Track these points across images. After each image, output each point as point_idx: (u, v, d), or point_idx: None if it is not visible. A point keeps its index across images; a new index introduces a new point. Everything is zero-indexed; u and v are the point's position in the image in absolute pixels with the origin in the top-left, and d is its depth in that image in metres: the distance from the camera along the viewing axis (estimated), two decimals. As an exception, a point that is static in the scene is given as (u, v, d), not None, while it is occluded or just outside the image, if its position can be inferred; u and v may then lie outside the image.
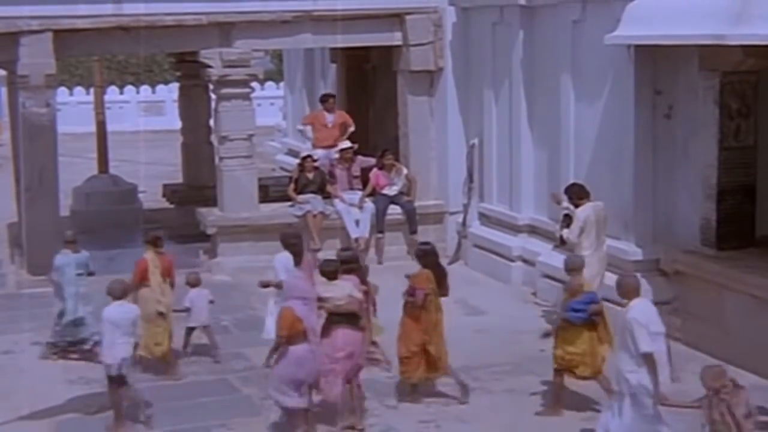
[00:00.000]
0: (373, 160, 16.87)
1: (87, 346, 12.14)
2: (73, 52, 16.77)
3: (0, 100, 28.44)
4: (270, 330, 11.08)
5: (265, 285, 11.62)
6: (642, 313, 8.99)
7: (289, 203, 16.45)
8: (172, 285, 11.93)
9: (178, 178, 20.44)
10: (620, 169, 13.10)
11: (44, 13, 15.06)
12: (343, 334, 9.99)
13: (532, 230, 15.18)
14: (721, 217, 12.21)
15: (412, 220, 16.47)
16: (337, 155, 16.86)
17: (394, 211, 16.50)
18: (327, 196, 16.43)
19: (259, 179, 16.93)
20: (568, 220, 12.74)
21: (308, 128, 17.67)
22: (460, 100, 16.63)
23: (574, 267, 10.52)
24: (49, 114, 15.34)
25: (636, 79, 12.77)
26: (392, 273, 15.43)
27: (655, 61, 12.76)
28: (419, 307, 10.57)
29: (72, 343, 12.24)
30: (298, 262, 11.47)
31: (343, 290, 10.14)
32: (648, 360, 8.87)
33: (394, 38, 16.68)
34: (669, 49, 12.33)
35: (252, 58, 16.03)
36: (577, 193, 12.73)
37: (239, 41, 15.98)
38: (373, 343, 11.48)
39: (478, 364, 11.72)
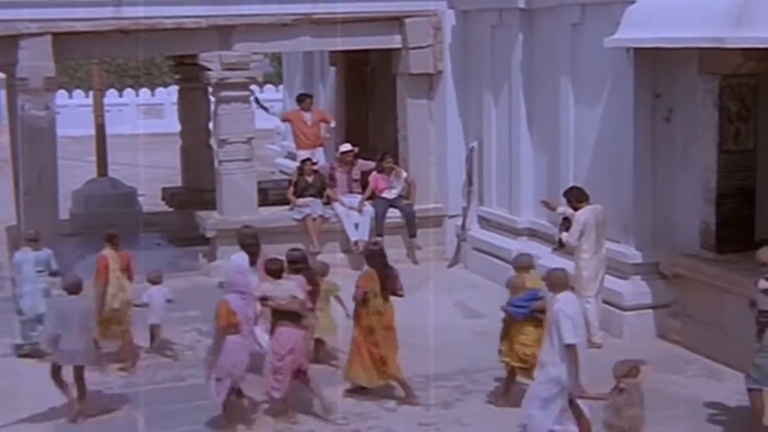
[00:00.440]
0: (373, 164, 16.87)
1: None
2: (73, 55, 16.79)
3: (-1, 103, 28.46)
4: None
5: (222, 285, 11.86)
6: (569, 305, 9.26)
7: (289, 207, 16.45)
8: (130, 280, 12.23)
9: (178, 182, 20.44)
10: (620, 172, 13.10)
11: (43, 16, 15.06)
12: (285, 333, 10.36)
13: (532, 233, 15.17)
14: (721, 220, 12.21)
15: (411, 223, 16.47)
16: (320, 151, 17.19)
17: (394, 214, 16.50)
18: (327, 202, 16.43)
19: (259, 182, 16.92)
20: (567, 223, 12.74)
21: (278, 114, 18.95)
22: (460, 104, 16.64)
23: (520, 265, 10.77)
24: (48, 117, 15.33)
25: (635, 83, 12.77)
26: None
27: (654, 64, 12.76)
28: (362, 307, 10.85)
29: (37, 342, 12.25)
30: (253, 261, 11.71)
31: (287, 290, 10.45)
32: (570, 352, 9.12)
33: (394, 41, 16.69)
34: (668, 52, 12.33)
35: (251, 61, 16.03)
36: (577, 197, 12.74)
37: (238, 44, 15.98)
38: (319, 341, 11.76)
39: (477, 368, 11.71)
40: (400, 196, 16.60)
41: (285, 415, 10.53)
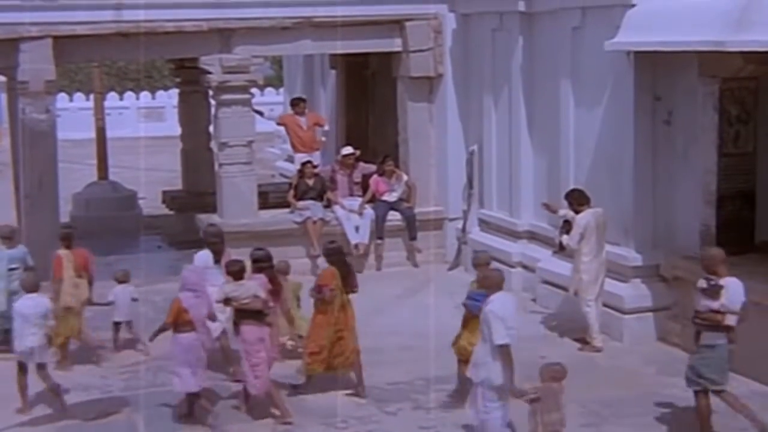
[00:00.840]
0: (374, 167, 16.87)
1: None
2: (73, 59, 16.77)
3: (0, 106, 28.45)
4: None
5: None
6: (501, 306, 9.33)
7: (289, 210, 16.45)
8: (90, 280, 12.48)
9: (178, 185, 20.44)
10: (620, 175, 13.10)
11: (44, 19, 15.06)
12: (249, 331, 10.59)
13: (532, 236, 15.17)
14: (721, 223, 12.21)
15: (411, 226, 16.47)
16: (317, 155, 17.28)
17: (394, 217, 16.50)
18: (327, 205, 16.44)
19: (259, 186, 16.91)
20: (567, 226, 12.74)
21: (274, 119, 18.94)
22: (460, 107, 16.64)
23: (478, 263, 10.91)
24: (48, 120, 15.33)
25: (636, 86, 12.78)
26: (391, 279, 15.51)
27: (654, 68, 12.77)
28: (327, 304, 11.01)
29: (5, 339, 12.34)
30: (218, 259, 11.95)
31: (249, 289, 10.65)
32: (503, 352, 9.20)
33: (394, 44, 16.69)
34: (669, 56, 12.34)
35: (252, 65, 16.03)
36: (577, 199, 12.74)
37: (239, 47, 15.98)
38: (300, 337, 11.93)
39: (477, 371, 11.68)
40: (400, 199, 16.60)
41: (269, 412, 10.63)
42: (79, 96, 34.71)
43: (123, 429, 10.66)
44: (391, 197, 16.56)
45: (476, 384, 9.43)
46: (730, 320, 9.68)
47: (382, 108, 19.29)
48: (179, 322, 10.37)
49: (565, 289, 13.33)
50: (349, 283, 11.26)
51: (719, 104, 12.09)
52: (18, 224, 16.28)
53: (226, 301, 10.71)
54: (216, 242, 12.20)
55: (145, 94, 36.17)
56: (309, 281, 12.27)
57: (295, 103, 18.24)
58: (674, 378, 10.86)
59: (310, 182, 16.51)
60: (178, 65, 19.63)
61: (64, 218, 17.67)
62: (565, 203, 12.97)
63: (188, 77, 19.01)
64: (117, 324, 12.83)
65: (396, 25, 16.60)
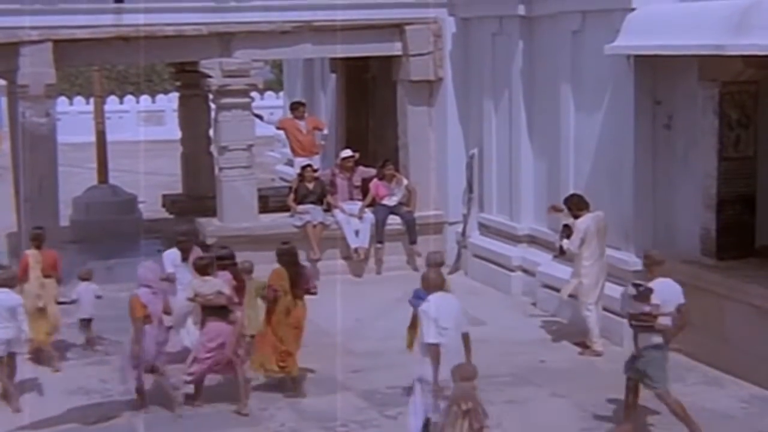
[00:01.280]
0: (374, 171, 16.88)
1: None
2: (73, 62, 16.78)
3: (0, 109, 28.43)
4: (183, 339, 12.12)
5: (164, 278, 12.10)
6: (435, 307, 9.49)
7: (289, 213, 16.45)
8: (58, 280, 12.73)
9: (178, 189, 20.44)
10: (620, 179, 13.10)
11: (44, 23, 15.06)
12: (213, 327, 10.93)
13: (532, 240, 15.17)
14: (721, 227, 12.21)
15: (411, 230, 16.47)
16: (316, 158, 17.29)
17: (394, 221, 16.50)
18: (327, 209, 16.43)
19: (259, 189, 16.92)
20: (567, 230, 12.73)
21: (273, 123, 18.85)
22: (460, 111, 16.65)
23: (432, 263, 11.03)
24: (48, 124, 15.33)
25: (636, 90, 12.78)
26: (391, 283, 15.49)
27: (654, 72, 12.77)
28: (271, 304, 11.29)
29: None
30: (185, 257, 12.38)
31: (214, 286, 11.00)
32: (431, 351, 9.39)
33: (394, 48, 16.69)
34: (669, 60, 12.34)
35: (252, 68, 16.03)
36: (577, 204, 12.74)
37: (239, 51, 15.99)
38: (252, 337, 11.99)
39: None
40: (400, 203, 16.60)
41: (190, 402, 11.03)
42: (79, 99, 34.69)
43: (123, 433, 10.68)
44: (391, 201, 16.56)
45: (414, 380, 9.69)
46: (664, 321, 9.85)
47: (382, 112, 19.29)
48: (141, 315, 10.72)
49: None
50: (299, 286, 11.35)
51: (719, 108, 12.09)
52: (18, 228, 16.31)
53: (193, 297, 11.05)
54: (183, 240, 12.58)
55: (145, 98, 36.15)
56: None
57: (295, 107, 18.26)
58: (674, 383, 10.83)
59: (310, 186, 16.51)
60: (178, 69, 19.64)
61: (65, 222, 17.68)
62: (564, 208, 12.97)
63: (188, 81, 19.02)
64: (83, 321, 12.98)
65: (396, 29, 16.60)
